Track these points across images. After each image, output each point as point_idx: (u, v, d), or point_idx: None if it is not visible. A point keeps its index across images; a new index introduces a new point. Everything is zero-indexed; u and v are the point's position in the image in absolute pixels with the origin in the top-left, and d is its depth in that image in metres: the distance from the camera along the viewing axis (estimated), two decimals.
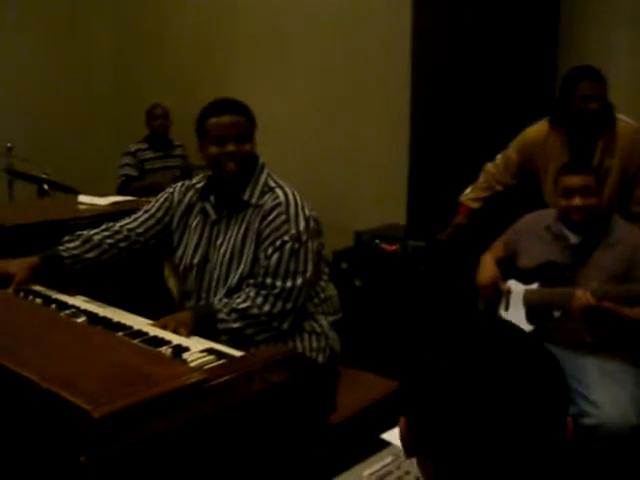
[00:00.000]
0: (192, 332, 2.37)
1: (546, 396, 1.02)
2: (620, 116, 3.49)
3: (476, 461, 1.00)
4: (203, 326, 2.45)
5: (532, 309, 3.07)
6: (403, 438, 1.11)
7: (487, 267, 3.25)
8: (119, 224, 2.89)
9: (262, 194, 2.70)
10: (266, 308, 2.53)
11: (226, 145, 2.65)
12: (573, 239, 2.99)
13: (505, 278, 3.21)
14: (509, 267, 3.22)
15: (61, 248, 2.81)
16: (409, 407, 1.08)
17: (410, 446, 1.10)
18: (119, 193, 5.17)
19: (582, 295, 2.79)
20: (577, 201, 2.91)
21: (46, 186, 4.48)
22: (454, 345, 1.06)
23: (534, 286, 3.09)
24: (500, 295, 3.20)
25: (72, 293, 2.67)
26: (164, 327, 2.35)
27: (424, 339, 1.12)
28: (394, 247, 4.33)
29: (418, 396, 1.06)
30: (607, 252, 2.93)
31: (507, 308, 3.16)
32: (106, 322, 2.35)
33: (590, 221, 2.95)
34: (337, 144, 5.31)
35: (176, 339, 2.20)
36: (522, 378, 1.01)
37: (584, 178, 2.92)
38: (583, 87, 3.41)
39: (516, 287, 3.15)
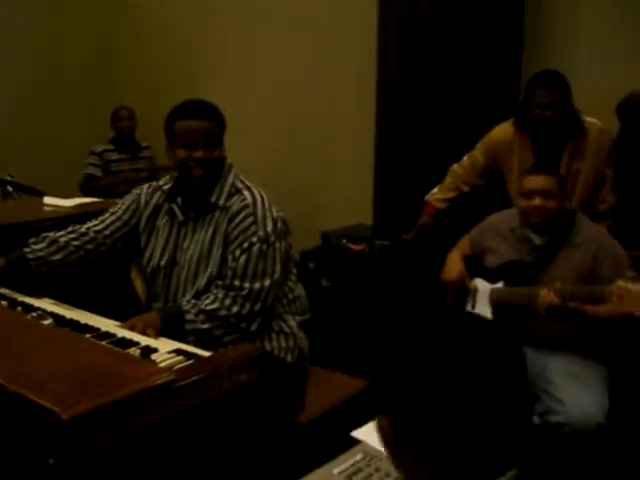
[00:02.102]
0: (160, 333, 2.37)
1: (510, 384, 1.09)
2: (586, 118, 3.54)
3: (460, 447, 1.06)
4: (171, 327, 2.44)
5: (498, 308, 3.09)
6: (385, 436, 1.13)
7: (453, 263, 3.28)
8: (85, 226, 2.86)
9: (230, 196, 2.69)
10: (235, 309, 2.53)
11: (195, 150, 2.62)
12: (537, 241, 3.02)
13: (472, 276, 3.23)
14: (475, 266, 3.24)
15: (26, 250, 2.78)
16: (391, 404, 1.11)
17: (392, 444, 1.13)
18: (81, 190, 5.24)
19: (546, 294, 2.81)
20: (537, 202, 2.93)
21: (10, 188, 4.43)
22: (430, 340, 1.12)
23: (499, 285, 3.11)
24: (466, 292, 3.23)
25: (38, 295, 2.65)
26: (132, 328, 2.34)
27: (396, 338, 1.16)
28: (361, 247, 4.34)
29: (401, 390, 1.09)
30: (572, 252, 2.96)
31: (474, 307, 3.18)
32: (73, 324, 2.33)
33: (552, 222, 2.98)
34: (304, 145, 5.32)
35: (144, 340, 2.20)
36: (489, 366, 1.08)
37: (545, 180, 2.95)
38: (539, 94, 3.46)
39: (482, 286, 3.18)
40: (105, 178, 5.49)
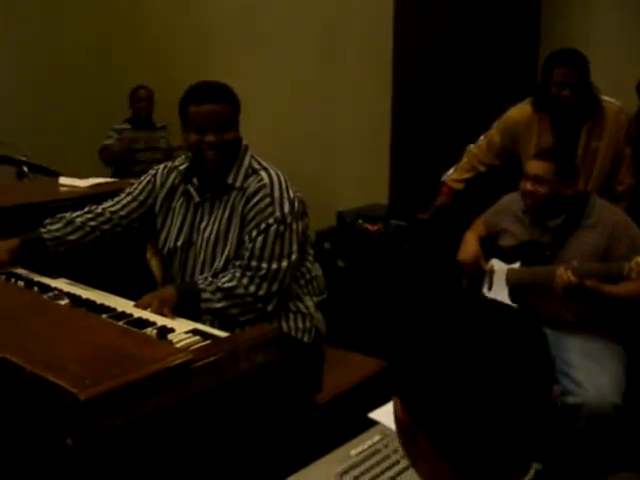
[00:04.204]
0: (175, 310, 2.37)
1: (532, 366, 1.05)
2: (604, 97, 3.51)
3: (472, 431, 1.03)
4: (186, 304, 2.45)
5: (515, 288, 3.08)
6: (399, 420, 1.12)
7: (469, 244, 3.28)
8: (102, 206, 2.86)
9: (246, 177, 2.68)
10: (252, 289, 2.53)
11: (206, 134, 2.60)
12: (550, 223, 3.01)
13: (487, 257, 3.22)
14: (491, 246, 3.23)
15: (43, 230, 2.79)
16: (404, 386, 1.10)
17: (406, 427, 1.11)
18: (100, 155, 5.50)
19: (563, 273, 2.81)
20: (528, 186, 2.97)
21: (25, 168, 4.43)
22: (444, 322, 1.08)
23: (516, 265, 3.10)
24: (482, 273, 3.22)
25: (54, 276, 2.65)
26: (148, 306, 2.34)
27: (411, 319, 1.13)
28: (377, 227, 4.33)
29: (413, 373, 1.07)
30: (587, 233, 2.95)
31: (490, 287, 3.18)
32: (89, 304, 2.34)
33: (555, 206, 2.98)
34: (320, 124, 5.30)
35: (161, 320, 2.20)
36: (510, 348, 1.04)
37: (540, 166, 2.96)
38: (557, 73, 3.43)
39: (499, 266, 3.17)
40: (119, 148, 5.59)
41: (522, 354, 1.04)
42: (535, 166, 2.98)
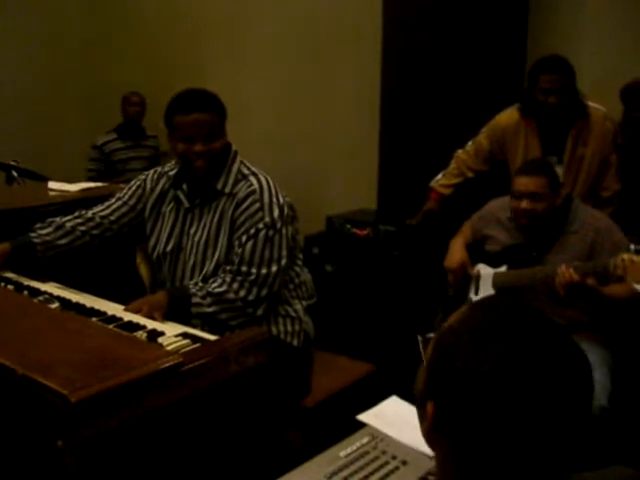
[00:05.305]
0: (165, 315, 2.38)
1: (573, 386, 1.03)
2: (590, 104, 3.53)
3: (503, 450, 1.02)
4: (177, 309, 2.45)
5: (502, 291, 3.10)
6: (429, 423, 1.10)
7: (455, 251, 3.28)
8: (92, 211, 2.87)
9: (236, 182, 2.69)
10: (242, 294, 2.54)
11: (194, 144, 2.61)
12: (534, 230, 3.03)
13: (474, 262, 3.24)
14: (477, 251, 3.25)
15: (33, 235, 2.79)
16: (441, 395, 1.07)
17: (431, 427, 1.10)
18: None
19: (565, 271, 2.77)
20: (524, 204, 2.93)
21: (15, 173, 4.43)
22: (491, 336, 1.04)
23: (502, 269, 3.12)
24: (468, 279, 3.23)
25: (44, 280, 2.66)
26: (138, 310, 2.35)
27: (454, 325, 1.10)
28: (365, 232, 4.35)
29: (454, 386, 1.04)
30: (569, 238, 2.96)
31: (477, 292, 3.19)
32: (79, 308, 2.34)
33: (545, 216, 2.98)
34: (308, 129, 5.31)
35: (151, 324, 2.21)
36: (553, 368, 1.02)
37: (534, 182, 2.93)
38: (543, 80, 3.44)
39: (485, 271, 3.18)
40: (116, 169, 5.56)
41: (565, 373, 1.02)
42: (527, 182, 2.93)
